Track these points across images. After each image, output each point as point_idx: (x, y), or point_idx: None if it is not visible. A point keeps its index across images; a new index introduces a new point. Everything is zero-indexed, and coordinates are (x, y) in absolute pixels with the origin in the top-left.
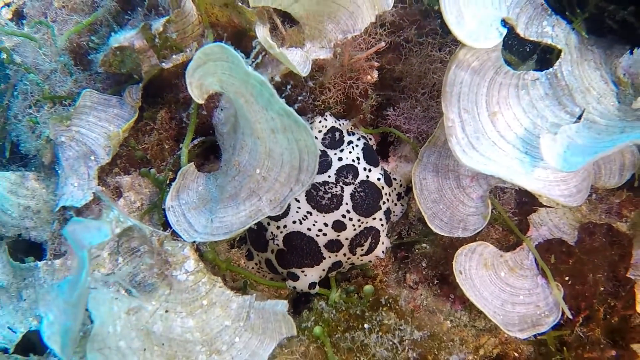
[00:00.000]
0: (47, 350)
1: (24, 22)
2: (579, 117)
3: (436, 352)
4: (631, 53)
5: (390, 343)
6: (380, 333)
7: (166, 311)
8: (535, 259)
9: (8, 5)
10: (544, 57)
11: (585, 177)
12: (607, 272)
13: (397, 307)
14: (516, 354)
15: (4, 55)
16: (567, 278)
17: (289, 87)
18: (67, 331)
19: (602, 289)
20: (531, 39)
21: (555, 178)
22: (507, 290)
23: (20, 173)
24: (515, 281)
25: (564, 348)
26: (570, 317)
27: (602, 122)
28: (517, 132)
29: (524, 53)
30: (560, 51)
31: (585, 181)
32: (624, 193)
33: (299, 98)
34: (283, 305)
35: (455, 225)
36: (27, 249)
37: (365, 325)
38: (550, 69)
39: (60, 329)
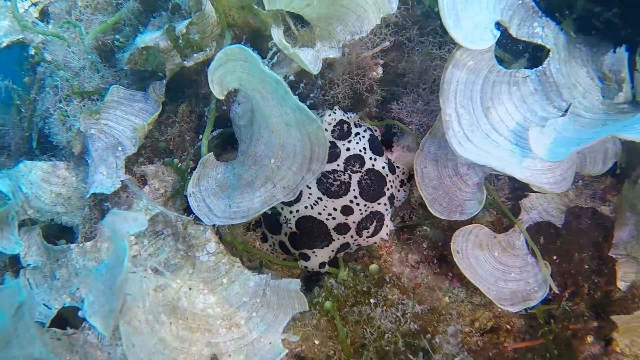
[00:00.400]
0: (82, 324)
1: (51, 21)
2: (566, 111)
3: (435, 324)
4: (614, 52)
5: (394, 316)
6: (384, 307)
7: (190, 289)
8: (526, 240)
9: (35, 4)
10: (535, 55)
11: (569, 166)
12: (592, 251)
13: (400, 283)
14: (508, 327)
15: (32, 51)
16: (555, 257)
17: (302, 85)
18: (111, 311)
19: (587, 267)
20: (523, 39)
21: (543, 167)
22: (500, 268)
23: (51, 163)
24: (508, 260)
25: (552, 320)
26: (558, 292)
27: (587, 116)
28: (509, 126)
29: (517, 51)
30: (549, 50)
31: (570, 170)
32: (608, 179)
33: (311, 95)
34: (296, 283)
35: (454, 209)
36: (58, 233)
37: (371, 300)
38: (540, 67)
39: (101, 309)
